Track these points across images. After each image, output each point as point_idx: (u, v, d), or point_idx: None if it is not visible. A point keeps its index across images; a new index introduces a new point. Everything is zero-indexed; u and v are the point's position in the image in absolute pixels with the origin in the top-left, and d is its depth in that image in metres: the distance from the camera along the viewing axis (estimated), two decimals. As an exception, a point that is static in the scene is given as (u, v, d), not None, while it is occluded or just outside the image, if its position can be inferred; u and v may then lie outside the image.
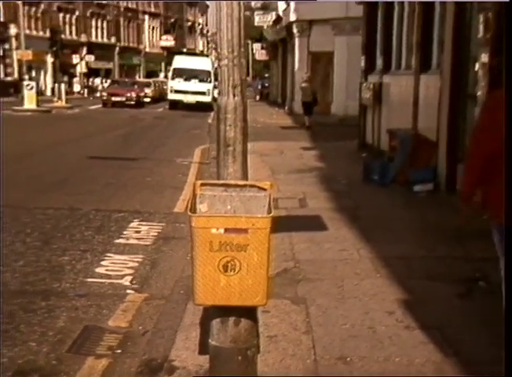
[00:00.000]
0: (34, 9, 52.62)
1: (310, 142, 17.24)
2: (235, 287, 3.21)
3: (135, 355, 4.17)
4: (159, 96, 42.37)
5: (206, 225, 3.19)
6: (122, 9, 67.79)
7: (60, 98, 35.52)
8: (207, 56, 55.29)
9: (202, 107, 32.67)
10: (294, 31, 31.39)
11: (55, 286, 5.54)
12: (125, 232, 7.40)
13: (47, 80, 52.02)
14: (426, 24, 10.81)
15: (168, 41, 73.77)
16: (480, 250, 6.26)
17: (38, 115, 28.75)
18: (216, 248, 3.18)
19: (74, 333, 4.53)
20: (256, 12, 47.58)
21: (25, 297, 5.22)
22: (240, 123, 3.49)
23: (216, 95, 3.79)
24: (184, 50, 71.97)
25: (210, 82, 35.00)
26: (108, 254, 6.50)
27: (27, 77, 39.87)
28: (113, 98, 36.92)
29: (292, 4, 31.63)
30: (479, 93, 8.52)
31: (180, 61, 38.10)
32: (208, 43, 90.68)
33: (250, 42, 55.29)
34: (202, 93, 34.76)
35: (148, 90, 42.27)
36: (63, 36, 45.83)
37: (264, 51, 53.37)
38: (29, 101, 30.97)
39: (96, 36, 63.18)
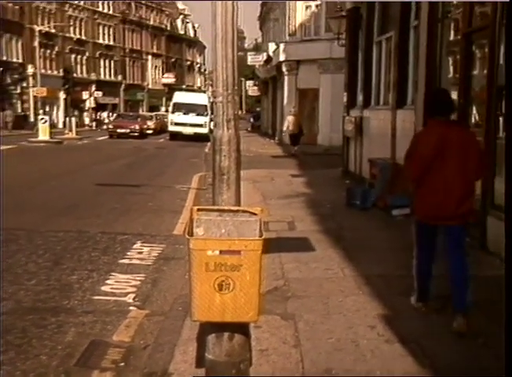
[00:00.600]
0: (49, 51, 53.02)
1: (298, 170, 17.25)
2: (229, 304, 3.18)
3: (137, 368, 4.11)
4: (161, 129, 42.39)
5: (203, 247, 3.17)
6: (127, 50, 68.26)
7: (70, 130, 35.56)
8: (204, 91, 55.59)
9: (199, 139, 32.65)
10: (283, 69, 31.64)
11: (64, 303, 5.48)
12: (128, 253, 7.34)
13: (59, 114, 52.13)
14: (401, 65, 10.92)
15: (169, 78, 74.20)
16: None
17: (51, 145, 28.72)
18: (211, 268, 3.16)
19: (82, 347, 4.47)
20: (249, 53, 48.15)
21: (37, 313, 5.16)
22: (234, 154, 3.50)
23: (212, 127, 3.80)
24: (184, 86, 72.41)
25: (207, 115, 34.95)
26: (113, 274, 6.44)
27: (41, 111, 39.86)
28: (119, 130, 36.92)
29: (281, 45, 31.93)
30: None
31: (179, 96, 38.22)
32: (205, 80, 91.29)
33: (243, 79, 55.74)
34: (200, 125, 34.75)
35: (150, 123, 42.32)
36: (74, 75, 45.98)
37: (256, 87, 53.85)
38: (43, 133, 30.98)
39: (104, 74, 63.52)
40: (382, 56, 12.89)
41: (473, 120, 7.87)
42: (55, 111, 51.90)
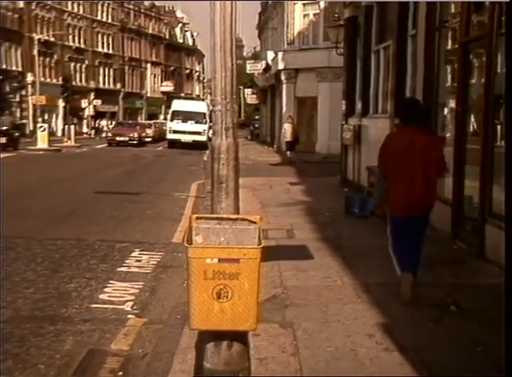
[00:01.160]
0: (48, 59, 53.14)
1: (297, 178, 17.26)
2: (227, 312, 3.17)
3: (135, 377, 4.09)
4: (159, 137, 42.43)
5: (202, 255, 3.17)
6: (126, 59, 68.42)
7: (69, 138, 35.57)
8: (203, 100, 55.58)
9: (198, 146, 32.59)
10: (282, 78, 31.72)
11: (62, 311, 5.46)
12: (127, 261, 7.32)
13: (58, 122, 52.18)
14: (399, 74, 10.95)
15: (168, 86, 74.33)
16: (451, 277, 6.26)
17: (50, 153, 28.74)
18: (210, 277, 3.15)
19: (80, 356, 4.44)
20: (248, 61, 48.30)
21: (35, 322, 5.13)
22: (232, 162, 3.50)
23: (211, 135, 3.81)
24: (183, 95, 72.50)
25: (205, 123, 34.96)
26: (111, 282, 6.42)
27: (40, 120, 39.92)
28: (117, 138, 36.94)
29: (280, 54, 32.03)
30: (448, 135, 8.59)
31: (178, 105, 38.22)
32: (204, 88, 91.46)
33: (241, 87, 55.79)
34: (198, 133, 34.78)
35: (149, 131, 42.32)
36: (73, 83, 46.04)
37: (254, 96, 53.93)
38: (42, 141, 31.01)
39: (103, 83, 63.63)
40: (380, 64, 12.93)
41: (471, 129, 7.88)
42: (54, 119, 51.94)
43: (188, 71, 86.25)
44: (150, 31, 74.07)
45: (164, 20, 79.19)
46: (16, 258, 7.31)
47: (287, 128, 23.89)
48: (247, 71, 45.95)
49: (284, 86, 31.62)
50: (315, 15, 30.05)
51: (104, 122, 57.51)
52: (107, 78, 64.46)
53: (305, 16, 31.04)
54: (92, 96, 58.07)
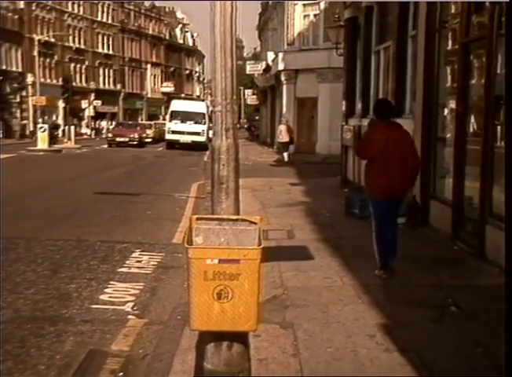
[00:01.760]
0: (48, 60, 53.18)
1: (297, 178, 17.26)
2: (227, 313, 3.17)
3: (136, 377, 4.09)
4: (159, 137, 42.38)
5: (202, 256, 3.17)
6: (126, 59, 68.44)
7: (69, 139, 35.57)
8: (203, 100, 55.41)
9: (197, 147, 32.39)
10: (282, 78, 31.72)
11: (63, 312, 5.46)
12: (127, 262, 7.33)
13: (58, 123, 52.16)
14: (399, 75, 10.96)
15: (168, 87, 74.35)
16: (451, 278, 6.26)
17: (50, 154, 28.74)
18: (210, 277, 3.15)
19: (80, 356, 4.45)
20: (248, 62, 48.32)
21: (35, 322, 5.14)
22: (233, 163, 3.50)
23: (211, 135, 3.80)
24: (183, 95, 72.51)
25: (205, 123, 34.68)
26: (112, 282, 6.42)
27: (40, 120, 39.97)
28: (117, 139, 36.91)
29: (280, 55, 32.04)
30: (448, 136, 8.59)
31: (177, 105, 37.69)
32: (204, 89, 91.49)
33: (242, 88, 55.91)
34: (197, 134, 34.40)
35: (149, 132, 42.30)
36: (73, 84, 46.06)
37: (254, 96, 53.93)
38: (42, 142, 31.00)
39: (104, 83, 63.66)
40: (380, 65, 12.94)
41: (471, 129, 7.89)
42: (54, 120, 51.92)
43: (188, 72, 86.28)
44: (150, 32, 74.11)
45: (164, 21, 79.23)
46: (17, 258, 7.32)
47: (282, 129, 24.30)
48: (247, 72, 45.97)
49: (284, 87, 31.62)
50: (315, 15, 30.05)
51: (104, 123, 57.52)
52: (107, 78, 64.49)
53: (305, 16, 31.05)
54: (92, 96, 58.11)
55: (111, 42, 65.55)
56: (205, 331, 3.38)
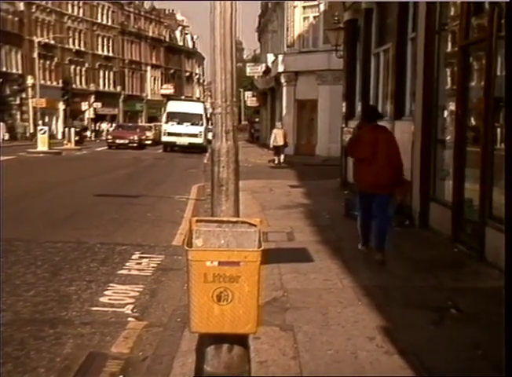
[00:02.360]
0: (48, 62, 53.22)
1: (297, 180, 17.26)
2: (227, 315, 3.17)
3: (135, 380, 4.08)
4: (159, 139, 42.37)
5: (202, 258, 3.17)
6: (126, 62, 68.48)
7: (69, 141, 35.57)
8: (202, 102, 55.24)
9: (194, 149, 32.01)
10: (282, 80, 31.76)
11: (62, 314, 5.45)
12: (127, 264, 7.32)
13: (58, 125, 52.21)
14: (399, 77, 10.97)
15: (168, 89, 74.36)
16: (451, 281, 6.26)
17: (50, 156, 28.74)
18: (210, 279, 3.15)
19: (80, 359, 4.43)
20: (247, 64, 48.37)
21: (35, 325, 5.12)
22: (232, 165, 3.50)
23: (210, 137, 3.81)
24: (183, 97, 72.51)
25: (202, 124, 33.96)
26: (111, 284, 6.41)
27: (40, 122, 40.02)
28: (117, 141, 36.93)
29: (280, 57, 32.06)
30: (448, 138, 8.59)
31: (173, 106, 36.33)
32: (204, 91, 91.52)
33: (242, 90, 55.93)
34: (195, 136, 33.43)
35: (149, 133, 42.28)
36: (73, 86, 46.11)
37: (254, 98, 53.94)
38: (42, 144, 31.01)
39: (104, 85, 63.70)
40: (379, 67, 12.95)
41: (471, 131, 7.88)
42: (54, 122, 51.98)
43: (188, 74, 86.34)
44: (150, 34, 74.16)
45: (164, 23, 79.28)
46: (16, 260, 7.31)
47: (277, 133, 24.67)
48: (247, 74, 46.01)
49: (284, 89, 31.65)
50: (315, 18, 30.09)
51: (104, 125, 57.52)
52: (107, 80, 64.53)
53: (305, 18, 31.09)
54: (92, 98, 58.12)
55: (111, 44, 65.60)
56: (205, 333, 3.37)
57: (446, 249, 7.64)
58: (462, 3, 7.83)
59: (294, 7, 30.95)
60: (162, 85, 75.67)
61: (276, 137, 24.56)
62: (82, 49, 60.15)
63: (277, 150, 24.60)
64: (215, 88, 3.50)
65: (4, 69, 46.79)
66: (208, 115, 32.98)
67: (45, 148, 30.63)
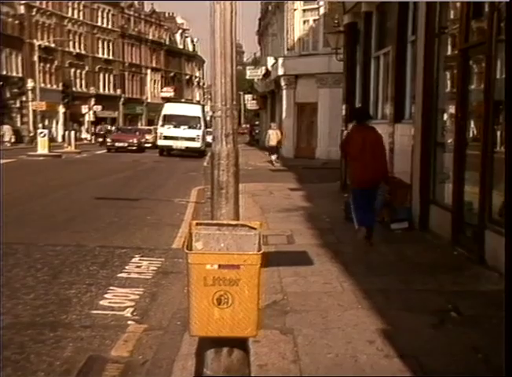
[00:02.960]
0: (48, 65, 53.27)
1: (297, 184, 17.25)
2: (227, 319, 3.17)
3: (135, 383, 4.07)
4: (158, 142, 42.36)
5: (201, 261, 3.16)
6: (126, 65, 68.54)
7: (69, 144, 35.58)
8: (203, 104, 55.21)
9: (194, 153, 31.56)
10: (282, 83, 31.78)
11: (62, 317, 5.45)
12: (127, 267, 7.31)
13: (59, 128, 52.23)
14: (399, 80, 10.98)
15: (168, 92, 74.31)
16: (451, 284, 6.25)
17: (50, 159, 28.74)
18: (210, 283, 3.15)
19: (80, 362, 4.43)
20: (247, 67, 48.45)
21: (35, 328, 5.12)
22: (232, 168, 3.50)
23: (208, 140, 3.81)
24: (183, 100, 72.48)
25: (200, 128, 32.87)
26: (111, 288, 6.41)
27: (40, 125, 40.03)
28: (117, 144, 36.93)
29: (280, 60, 32.09)
30: (448, 141, 8.60)
31: (170, 108, 34.71)
32: (204, 94, 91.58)
33: (241, 93, 55.90)
34: (192, 139, 31.89)
35: (148, 137, 42.29)
36: (74, 89, 46.14)
37: (254, 101, 53.99)
38: (42, 147, 31.01)
39: (104, 88, 63.74)
40: (379, 70, 12.96)
41: (470, 134, 7.89)
42: (54, 125, 52.00)
43: (188, 77, 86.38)
44: (150, 37, 74.24)
45: (164, 26, 79.37)
46: (16, 264, 7.30)
47: (271, 134, 25.38)
48: (247, 77, 46.06)
49: (284, 92, 31.67)
50: (315, 21, 30.14)
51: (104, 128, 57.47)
52: (107, 83, 64.57)
53: (304, 22, 31.13)
54: (92, 102, 58.16)
55: (111, 47, 65.66)
56: (205, 336, 3.37)
57: (446, 252, 7.63)
58: (462, 6, 7.84)
59: (294, 10, 30.99)
60: (162, 88, 75.69)
61: (270, 137, 25.22)
62: (83, 52, 60.21)
63: (271, 150, 25.34)
64: (215, 91, 3.51)
65: (4, 72, 46.82)
66: (207, 118, 32.89)
67: (46, 151, 30.62)
